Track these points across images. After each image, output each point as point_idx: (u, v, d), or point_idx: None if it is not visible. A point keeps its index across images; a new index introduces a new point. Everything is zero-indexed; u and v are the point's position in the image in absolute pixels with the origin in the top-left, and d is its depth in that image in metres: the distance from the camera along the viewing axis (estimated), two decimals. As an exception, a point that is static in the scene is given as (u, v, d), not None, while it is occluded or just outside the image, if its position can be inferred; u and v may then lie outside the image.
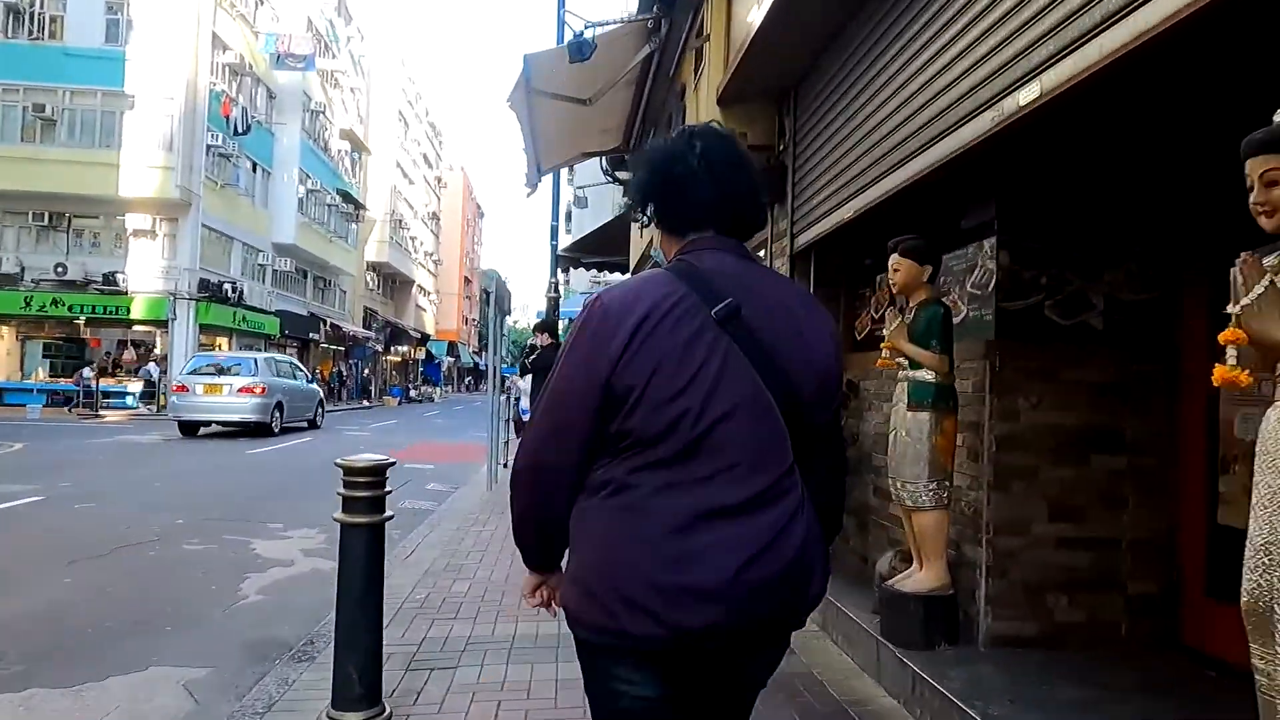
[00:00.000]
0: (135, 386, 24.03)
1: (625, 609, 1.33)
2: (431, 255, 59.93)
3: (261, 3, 30.61)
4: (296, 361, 22.90)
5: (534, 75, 7.05)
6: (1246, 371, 1.75)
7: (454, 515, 8.12)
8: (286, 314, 32.37)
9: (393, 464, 3.03)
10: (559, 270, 14.61)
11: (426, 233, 58.24)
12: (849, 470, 4.89)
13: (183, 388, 16.83)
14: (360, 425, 22.73)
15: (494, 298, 10.11)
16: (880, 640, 3.62)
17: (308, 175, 33.82)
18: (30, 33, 24.57)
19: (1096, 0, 2.25)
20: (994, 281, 3.63)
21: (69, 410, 22.34)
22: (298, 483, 10.45)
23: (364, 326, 43.62)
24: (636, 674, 1.39)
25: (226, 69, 27.72)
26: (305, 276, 36.18)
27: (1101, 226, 3.63)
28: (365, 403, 36.14)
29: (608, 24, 6.48)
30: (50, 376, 24.85)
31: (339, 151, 38.92)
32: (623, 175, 10.95)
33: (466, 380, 76.08)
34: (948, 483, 3.53)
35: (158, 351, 26.02)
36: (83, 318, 24.92)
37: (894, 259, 3.63)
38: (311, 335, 34.81)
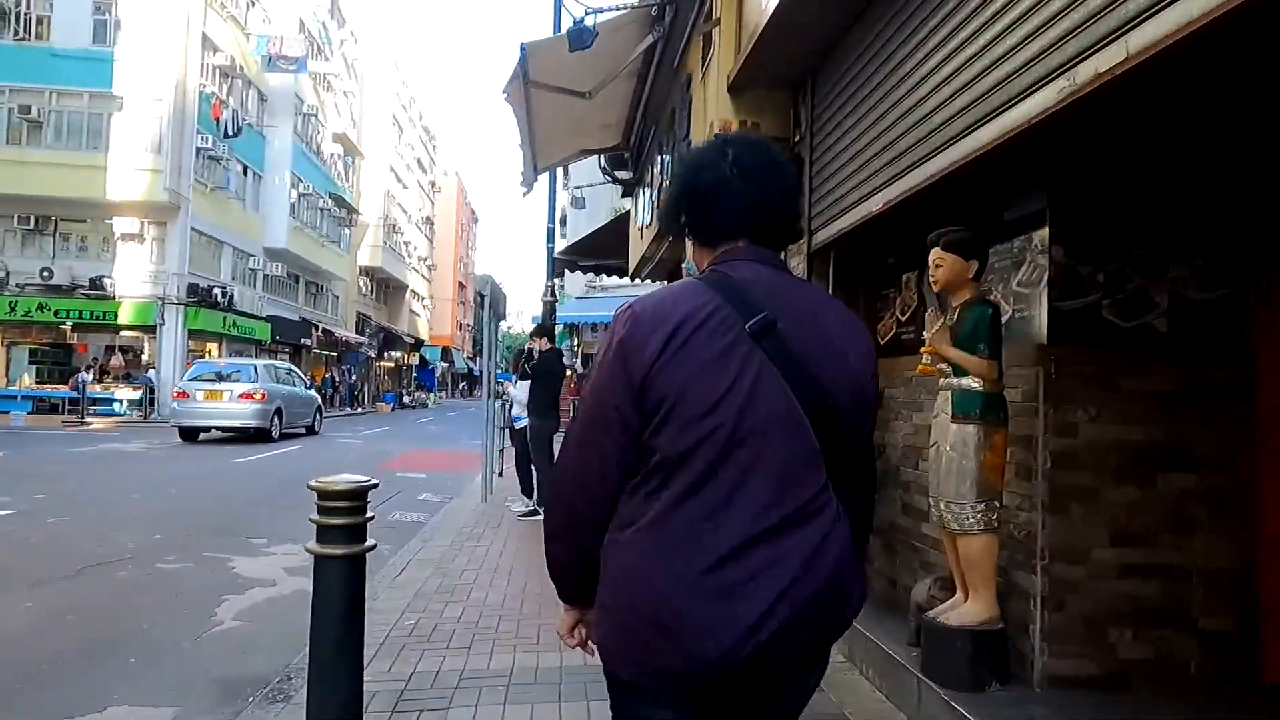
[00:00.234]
0: (125, 393, 23.54)
1: (661, 642, 1.30)
2: (425, 260, 59.52)
3: (253, 4, 30.21)
4: (295, 368, 22.61)
5: (531, 65, 6.69)
6: None
7: (447, 529, 7.73)
8: (278, 319, 31.93)
9: (374, 485, 2.64)
10: (555, 274, 14.23)
11: (420, 237, 57.85)
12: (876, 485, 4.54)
13: (183, 394, 17.01)
14: (352, 432, 22.31)
15: (488, 301, 9.72)
16: (920, 678, 3.25)
17: (300, 179, 33.40)
18: (16, 33, 24.12)
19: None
20: (1046, 279, 3.26)
21: (61, 417, 21.83)
22: (285, 493, 10.03)
23: (357, 332, 43.19)
24: (670, 710, 1.36)
25: (217, 71, 27.33)
26: (297, 281, 35.75)
27: (1166, 217, 3.27)
28: (352, 410, 35.56)
29: (609, 10, 6.13)
30: (36, 383, 24.35)
31: (332, 155, 38.52)
32: (622, 175, 10.60)
33: (461, 386, 75.63)
34: (997, 503, 3.16)
35: (145, 358, 25.56)
36: (69, 323, 24.53)
37: (935, 253, 3.27)
38: (303, 341, 34.36)
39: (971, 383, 3.17)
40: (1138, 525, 3.16)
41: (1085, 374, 3.18)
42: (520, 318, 63.01)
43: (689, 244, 1.56)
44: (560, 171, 16.29)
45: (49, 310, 24.20)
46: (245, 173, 30.03)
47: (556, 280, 14.53)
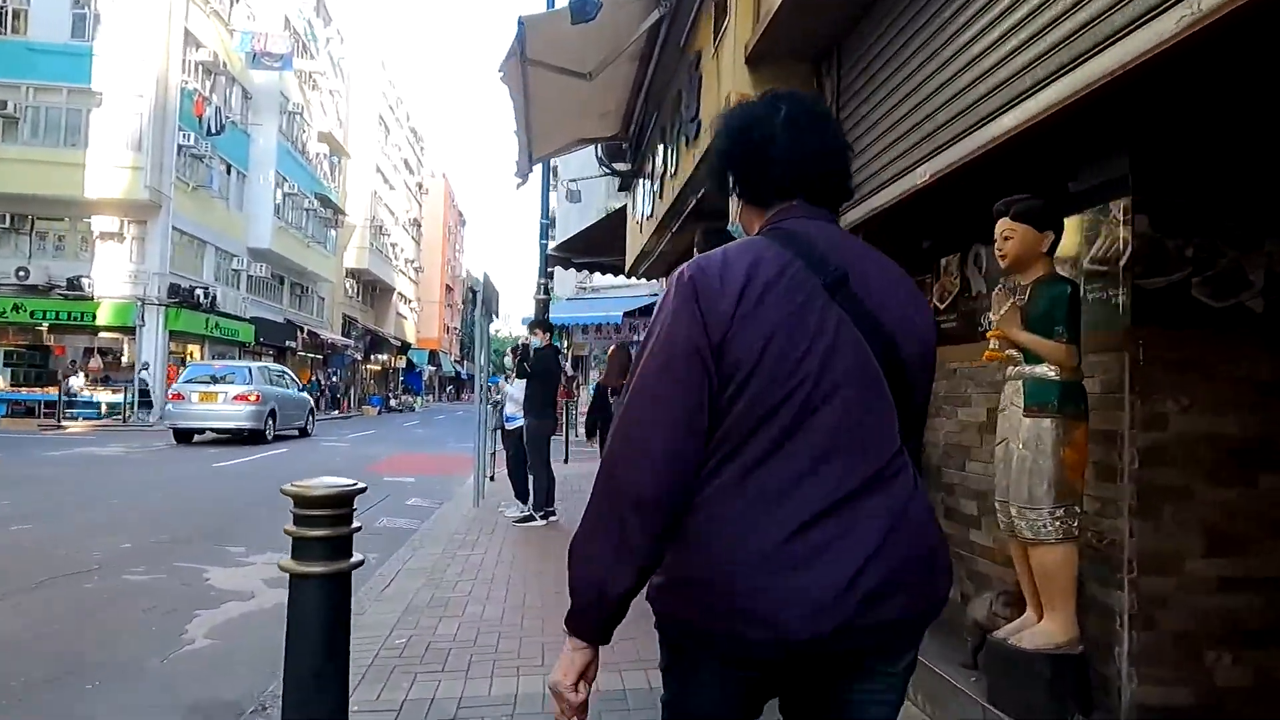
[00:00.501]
0: (104, 395, 22.90)
1: (733, 614, 1.19)
2: (412, 262, 58.91)
3: (237, 0, 29.64)
4: (288, 370, 22.30)
5: (530, 42, 6.27)
6: None
7: (437, 535, 7.29)
8: (262, 321, 31.34)
9: (361, 490, 2.22)
10: (548, 270, 13.80)
11: (407, 239, 57.25)
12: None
13: (179, 396, 17.12)
14: (338, 436, 21.79)
15: (481, 298, 9.28)
16: (987, 707, 2.85)
17: (285, 178, 32.81)
18: (-8, 27, 23.53)
19: None
20: (1128, 254, 2.87)
21: (37, 420, 21.17)
22: (266, 499, 9.52)
23: (343, 334, 42.59)
24: (728, 685, 1.27)
25: (199, 67, 26.77)
26: (282, 283, 35.14)
27: (1263, 183, 2.88)
28: (336, 413, 34.93)
29: (613, -18, 5.74)
30: (12, 385, 23.64)
31: (317, 155, 37.95)
32: (620, 166, 10.18)
33: (448, 389, 75.02)
34: (1078, 508, 2.77)
35: (125, 359, 24.94)
36: (46, 324, 23.90)
37: (1004, 224, 2.87)
38: (288, 343, 33.75)
39: (1047, 371, 2.78)
40: (1237, 531, 2.77)
41: (1174, 359, 2.79)
42: (508, 322, 62.53)
43: (734, 204, 1.49)
44: (551, 173, 15.87)
45: (25, 311, 23.54)
46: (229, 171, 29.45)
47: (548, 279, 14.15)
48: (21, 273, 23.35)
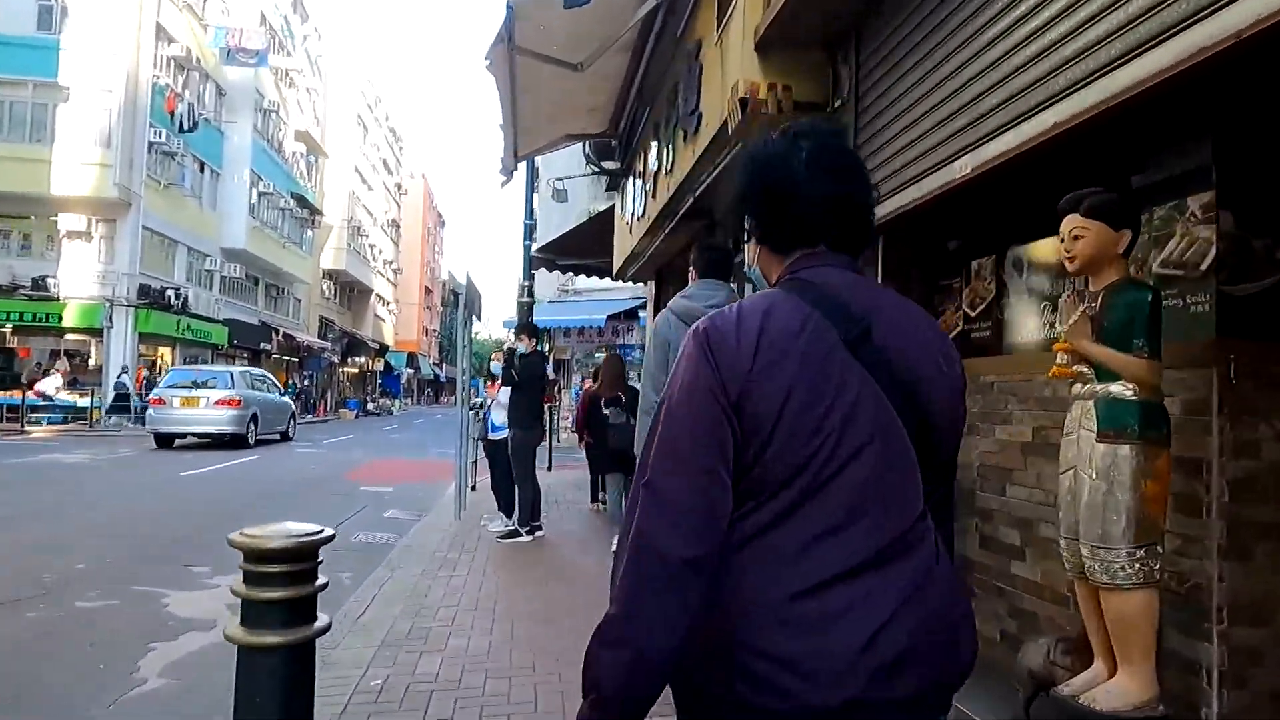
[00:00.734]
0: (73, 399, 22.16)
1: (741, 679, 1.11)
2: (391, 264, 58.16)
3: (211, -6, 29.00)
4: (269, 375, 22.00)
5: (518, 29, 5.88)
6: None
7: (417, 553, 6.85)
8: (235, 323, 30.64)
9: (329, 538, 1.82)
10: (533, 272, 13.37)
11: (386, 241, 56.51)
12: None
13: (160, 400, 17.16)
14: (314, 441, 21.20)
15: (464, 300, 8.85)
16: (1051, 775, 2.49)
17: (260, 177, 32.13)
18: (-46, 18, 22.75)
19: None
20: (1212, 256, 2.52)
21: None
22: (235, 511, 9.08)
23: (319, 336, 41.85)
24: None
25: (171, 62, 26.10)
26: (257, 284, 34.41)
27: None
28: (311, 416, 34.19)
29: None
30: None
31: (294, 154, 37.24)
32: (609, 165, 9.79)
33: (427, 392, 74.21)
34: (1159, 548, 2.41)
35: (106, 361, 24.21)
36: (9, 325, 23.15)
37: (1073, 222, 2.51)
38: (263, 345, 33.04)
39: (1124, 389, 2.42)
40: (1341, 575, 2.43)
41: (1268, 376, 2.45)
42: (489, 324, 61.91)
43: (749, 249, 1.44)
44: (534, 175, 15.43)
45: (-12, 312, 22.83)
46: (202, 169, 28.77)
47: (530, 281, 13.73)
48: (-16, 272, 22.62)
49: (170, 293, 25.43)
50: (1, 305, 22.87)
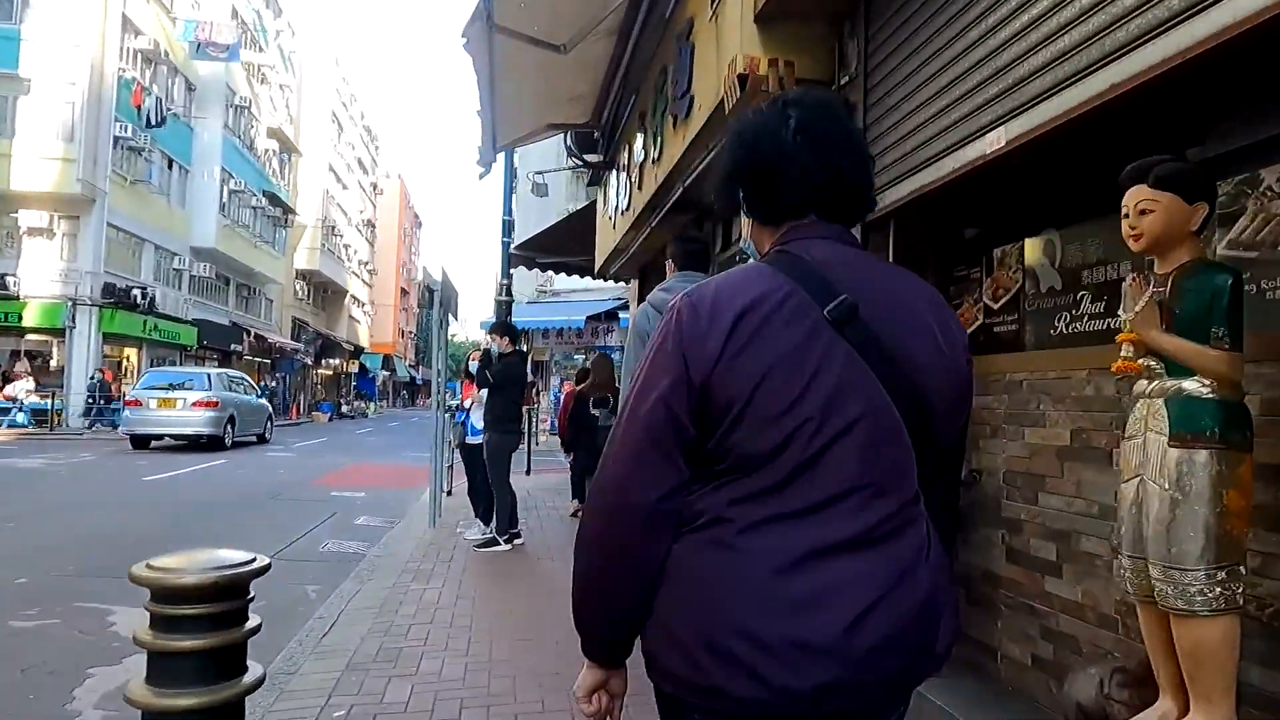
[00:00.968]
0: (33, 400, 21.43)
1: (719, 663, 1.10)
2: (366, 265, 57.36)
3: (180, -14, 28.32)
4: (247, 377, 21.68)
5: (498, 5, 5.51)
6: None
7: (389, 563, 6.45)
8: (205, 323, 29.91)
9: (264, 569, 1.45)
10: (510, 271, 12.98)
11: (361, 241, 55.72)
12: (962, 519, 3.46)
13: (136, 401, 17.08)
14: (284, 444, 20.64)
15: (439, 299, 8.45)
16: (1113, 829, 2.16)
17: (231, 174, 31.43)
18: (-90, 6, 21.99)
19: None
20: (1292, 234, 2.22)
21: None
22: (195, 518, 8.61)
23: (292, 338, 41.08)
24: None
25: (139, 55, 25.42)
26: (227, 284, 33.67)
27: None
28: (288, 419, 33.50)
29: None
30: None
31: (266, 151, 36.51)
32: (591, 158, 9.44)
33: (402, 395, 73.37)
34: (1242, 569, 2.09)
35: (69, 362, 23.46)
36: (-34, 325, 22.37)
37: (1140, 194, 2.18)
38: (233, 346, 32.30)
39: (1199, 386, 2.10)
40: None
41: (1360, 373, 2.14)
42: (465, 326, 61.28)
43: (744, 222, 1.50)
44: (512, 174, 15.05)
45: (-56, 311, 22.04)
46: (170, 166, 28.06)
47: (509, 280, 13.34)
48: (-60, 270, 21.84)
49: (136, 292, 24.71)
50: (-41, 304, 22.12)
